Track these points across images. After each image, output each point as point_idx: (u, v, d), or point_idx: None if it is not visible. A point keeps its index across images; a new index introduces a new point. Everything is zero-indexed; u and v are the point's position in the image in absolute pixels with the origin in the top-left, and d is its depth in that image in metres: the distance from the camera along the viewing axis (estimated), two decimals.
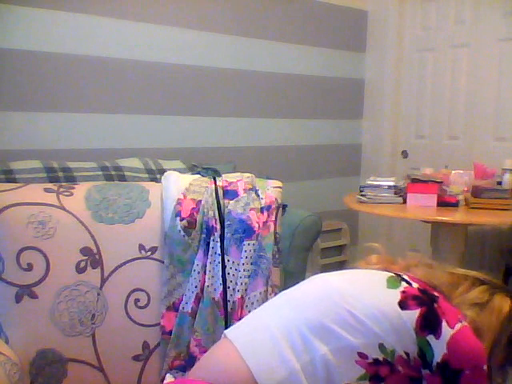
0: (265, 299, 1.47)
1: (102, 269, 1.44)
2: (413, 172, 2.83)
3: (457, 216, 2.26)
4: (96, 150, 2.36)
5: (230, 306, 1.48)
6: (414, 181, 2.43)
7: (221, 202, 1.59)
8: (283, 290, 1.11)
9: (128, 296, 1.45)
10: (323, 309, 0.97)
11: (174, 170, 1.84)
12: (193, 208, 1.55)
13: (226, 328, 1.34)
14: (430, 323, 0.93)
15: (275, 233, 1.58)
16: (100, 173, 1.94)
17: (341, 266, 3.43)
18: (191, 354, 1.44)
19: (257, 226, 1.55)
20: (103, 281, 1.43)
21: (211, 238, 1.53)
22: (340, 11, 3.34)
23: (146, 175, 2.04)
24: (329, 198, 3.34)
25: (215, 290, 1.49)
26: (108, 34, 2.38)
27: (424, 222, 2.52)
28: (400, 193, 2.45)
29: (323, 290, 1.02)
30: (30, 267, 1.37)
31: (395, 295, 0.96)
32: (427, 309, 0.94)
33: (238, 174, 1.72)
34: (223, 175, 1.71)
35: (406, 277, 1.02)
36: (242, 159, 2.75)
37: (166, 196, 1.58)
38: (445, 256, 2.33)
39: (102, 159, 2.06)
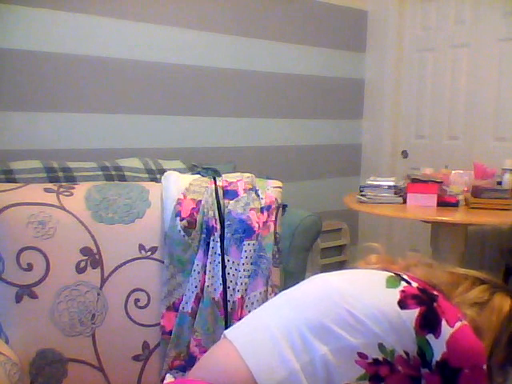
0: (265, 299, 1.47)
1: (102, 269, 1.44)
2: (413, 172, 2.83)
3: (457, 216, 2.26)
4: (96, 150, 2.36)
5: (230, 306, 1.48)
6: (414, 181, 2.43)
7: (221, 202, 1.59)
8: (283, 290, 1.11)
9: (128, 296, 1.45)
10: (323, 309, 0.97)
11: (174, 170, 1.84)
12: (193, 208, 1.55)
13: (226, 328, 1.34)
14: (429, 322, 0.93)
15: (275, 233, 1.58)
16: (100, 173, 1.94)
17: (341, 265, 3.43)
18: (191, 354, 1.44)
19: (257, 225, 1.55)
20: (103, 281, 1.43)
21: (211, 238, 1.53)
22: (340, 11, 3.34)
23: (146, 175, 2.04)
24: (329, 198, 3.34)
25: (215, 290, 1.49)
26: (108, 34, 2.38)
27: (424, 221, 2.52)
28: (400, 193, 2.45)
29: (323, 290, 1.02)
30: (30, 267, 1.37)
31: (395, 295, 0.96)
32: (427, 308, 0.94)
33: (238, 174, 1.72)
34: (223, 175, 1.71)
35: (405, 276, 1.02)
36: (241, 159, 2.75)
37: (166, 196, 1.58)
38: (445, 256, 2.33)
39: (102, 159, 2.06)
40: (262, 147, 3.04)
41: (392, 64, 3.42)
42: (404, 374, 0.92)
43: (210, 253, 1.52)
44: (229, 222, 1.55)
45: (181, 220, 1.52)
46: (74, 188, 1.54)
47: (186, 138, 2.70)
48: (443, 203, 2.32)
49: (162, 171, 1.89)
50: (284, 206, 1.68)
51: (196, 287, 1.48)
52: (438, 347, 0.92)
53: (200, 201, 1.57)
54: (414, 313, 0.93)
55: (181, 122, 2.68)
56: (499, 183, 2.44)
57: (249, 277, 1.50)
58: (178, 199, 1.56)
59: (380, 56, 3.47)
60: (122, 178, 1.97)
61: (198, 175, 1.73)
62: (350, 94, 3.50)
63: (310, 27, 3.19)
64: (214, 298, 1.48)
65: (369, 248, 1.22)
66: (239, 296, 1.48)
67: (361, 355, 0.91)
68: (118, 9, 2.39)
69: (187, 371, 1.40)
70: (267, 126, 3.05)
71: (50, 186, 1.54)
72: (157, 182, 1.79)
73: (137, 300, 1.46)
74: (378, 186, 2.47)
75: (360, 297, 0.97)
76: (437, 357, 0.92)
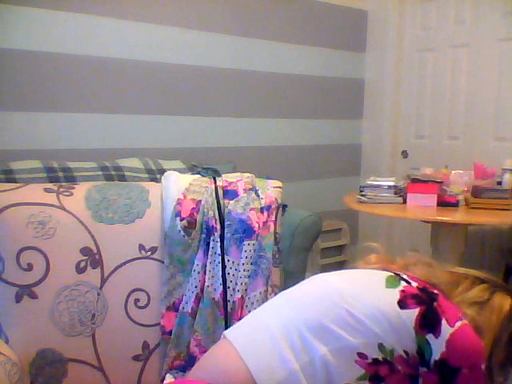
0: (265, 299, 1.47)
1: (102, 269, 1.44)
2: (413, 172, 2.83)
3: (457, 216, 2.26)
4: (96, 150, 2.36)
5: (230, 306, 1.48)
6: (414, 181, 2.43)
7: (221, 202, 1.59)
8: (283, 290, 1.11)
9: (128, 296, 1.45)
10: (323, 309, 0.97)
11: (174, 170, 1.84)
12: (193, 208, 1.55)
13: (226, 328, 1.34)
14: (429, 322, 0.93)
15: (275, 233, 1.58)
16: (100, 173, 1.94)
17: (341, 265, 3.43)
18: (191, 354, 1.44)
19: (257, 225, 1.55)
20: (103, 281, 1.43)
21: (211, 238, 1.53)
22: (340, 11, 3.34)
23: (146, 175, 2.04)
24: (329, 198, 3.34)
25: (215, 290, 1.49)
26: (108, 34, 2.38)
27: (424, 221, 2.52)
28: (400, 193, 2.45)
29: (323, 290, 1.02)
30: (30, 267, 1.37)
31: (394, 294, 0.96)
32: (427, 308, 0.94)
33: (238, 174, 1.72)
34: (223, 175, 1.71)
35: (405, 276, 1.02)
36: (242, 159, 2.75)
37: (166, 196, 1.58)
38: (445, 256, 2.33)
39: (102, 159, 2.06)
40: (262, 147, 3.04)
41: (392, 64, 3.42)
42: (404, 374, 0.92)
43: (210, 253, 1.52)
44: (229, 222, 1.55)
45: (181, 220, 1.52)
46: (74, 188, 1.54)
47: (186, 138, 2.70)
48: (443, 203, 2.32)
49: (162, 171, 1.89)
50: (284, 206, 1.68)
51: (196, 287, 1.48)
52: (438, 347, 0.92)
53: (200, 201, 1.57)
54: (413, 312, 0.93)
55: (181, 122, 2.68)
56: (499, 183, 2.43)
57: (249, 277, 1.50)
58: (178, 199, 1.56)
59: (380, 56, 3.47)
60: (122, 178, 1.97)
61: (198, 175, 1.73)
62: (350, 94, 3.50)
63: (310, 27, 3.19)
64: (213, 298, 1.48)
65: (368, 248, 1.21)
66: (239, 296, 1.48)
67: (360, 355, 0.91)
68: (117, 9, 2.39)
69: (187, 371, 1.40)
70: (267, 126, 3.05)
71: (50, 185, 1.54)
72: (157, 181, 1.79)
73: (137, 300, 1.46)
74: (378, 186, 2.47)
75: (360, 297, 0.97)
76: (435, 356, 0.92)
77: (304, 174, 3.28)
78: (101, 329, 1.41)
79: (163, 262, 1.50)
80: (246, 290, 1.49)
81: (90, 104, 2.36)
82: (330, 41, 3.31)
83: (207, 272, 1.49)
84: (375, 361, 0.91)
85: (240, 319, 1.34)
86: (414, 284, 0.99)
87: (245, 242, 1.52)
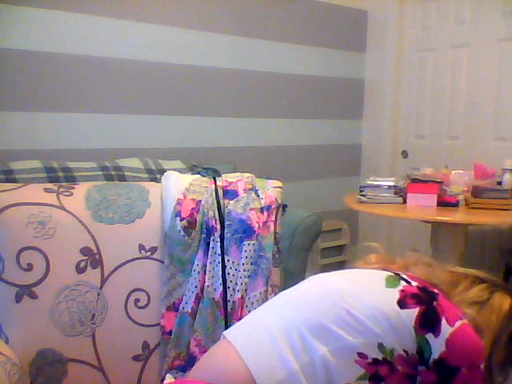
0: (265, 299, 1.47)
1: (102, 269, 1.44)
2: (413, 172, 2.83)
3: (457, 216, 2.26)
4: (96, 150, 2.36)
5: (230, 306, 1.48)
6: (414, 181, 2.43)
7: (221, 201, 1.59)
8: (283, 290, 1.11)
9: (128, 296, 1.45)
10: (323, 309, 0.97)
11: (174, 170, 1.84)
12: (193, 208, 1.55)
13: (226, 328, 1.34)
14: (429, 321, 0.93)
15: (275, 233, 1.58)
16: (100, 173, 1.95)
17: (341, 266, 3.43)
18: (191, 354, 1.44)
19: (257, 226, 1.55)
20: (103, 281, 1.43)
21: (211, 238, 1.53)
22: (340, 11, 3.34)
23: (146, 175, 2.04)
24: (329, 198, 3.34)
25: (215, 290, 1.49)
26: (108, 34, 2.38)
27: (424, 221, 2.52)
28: (400, 193, 2.45)
29: (323, 290, 1.02)
30: (29, 267, 1.37)
31: (394, 294, 0.96)
32: (426, 307, 0.94)
33: (238, 174, 1.72)
34: (223, 175, 1.71)
35: (405, 276, 1.02)
36: (242, 159, 2.75)
37: (166, 196, 1.58)
38: (445, 256, 2.33)
39: (102, 159, 2.07)
40: (262, 147, 3.04)
41: (392, 64, 3.42)
42: (403, 373, 0.92)
43: (210, 253, 1.52)
44: (229, 222, 1.55)
45: (181, 220, 1.52)
46: (73, 188, 1.54)
47: (186, 138, 2.70)
48: (443, 203, 2.32)
49: (162, 171, 1.89)
50: (284, 206, 1.68)
51: (196, 287, 1.48)
52: (437, 346, 0.92)
53: (200, 201, 1.57)
54: (413, 312, 0.93)
55: (181, 122, 2.68)
56: (499, 183, 2.43)
57: (249, 277, 1.50)
58: (178, 199, 1.56)
59: (380, 56, 3.47)
60: (122, 178, 1.97)
61: (198, 175, 1.73)
62: (350, 94, 3.50)
63: (310, 27, 3.19)
64: (213, 298, 1.48)
65: (368, 248, 1.21)
66: (239, 296, 1.48)
67: (360, 355, 0.91)
68: (117, 9, 2.39)
69: (187, 371, 1.40)
70: (267, 126, 3.05)
71: (50, 185, 1.54)
72: (157, 181, 1.79)
73: (137, 300, 1.46)
74: (378, 186, 2.47)
75: (359, 297, 0.97)
76: (435, 355, 0.92)
77: (304, 174, 3.28)
78: (101, 329, 1.41)
79: (163, 262, 1.50)
80: (245, 290, 1.49)
81: (90, 104, 2.36)
82: (330, 41, 3.31)
83: (207, 272, 1.49)
84: (375, 361, 0.91)
85: (240, 319, 1.34)
86: (414, 284, 0.99)
87: (245, 242, 1.52)
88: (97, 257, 1.44)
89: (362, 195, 2.48)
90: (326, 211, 3.23)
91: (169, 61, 2.59)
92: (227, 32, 2.80)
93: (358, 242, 3.61)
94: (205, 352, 1.19)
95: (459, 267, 1.13)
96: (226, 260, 1.51)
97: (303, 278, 1.14)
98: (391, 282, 1.00)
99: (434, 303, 0.95)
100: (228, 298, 1.49)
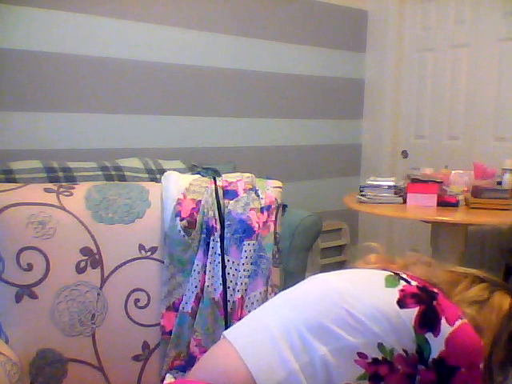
0: (265, 299, 1.47)
1: (102, 269, 1.44)
2: (413, 172, 2.83)
3: (457, 216, 2.26)
4: (96, 150, 2.36)
5: (229, 306, 1.48)
6: (414, 181, 2.43)
7: (221, 201, 1.59)
8: (283, 290, 1.11)
9: (128, 296, 1.45)
10: (322, 309, 0.97)
11: (174, 170, 1.84)
12: (193, 208, 1.55)
13: (226, 328, 1.34)
14: (428, 321, 0.93)
15: (275, 233, 1.58)
16: (100, 173, 1.95)
17: (341, 266, 3.43)
18: (191, 354, 1.44)
19: (257, 226, 1.55)
20: (103, 281, 1.43)
21: (211, 238, 1.53)
22: (340, 11, 3.34)
23: (146, 175, 2.05)
24: (329, 198, 3.34)
25: (215, 290, 1.49)
26: (108, 34, 2.38)
27: (424, 221, 2.52)
28: (400, 193, 2.45)
29: (322, 290, 1.02)
30: (29, 267, 1.37)
31: (394, 294, 0.96)
32: (426, 306, 0.94)
33: (238, 174, 1.72)
34: (223, 175, 1.71)
35: (404, 275, 1.02)
36: (242, 159, 2.75)
37: (166, 196, 1.58)
38: (445, 256, 2.33)
39: (102, 159, 2.07)
40: (262, 147, 3.04)
41: (392, 64, 3.42)
42: (403, 373, 0.92)
43: (209, 253, 1.52)
44: (229, 222, 1.55)
45: (181, 220, 1.52)
46: (73, 188, 1.54)
47: (186, 138, 2.70)
48: (443, 203, 2.32)
49: (162, 171, 1.89)
50: (284, 206, 1.68)
51: (196, 287, 1.48)
52: (437, 345, 0.92)
53: (200, 201, 1.57)
54: (413, 312, 0.93)
55: (181, 122, 2.68)
56: (499, 183, 2.43)
57: (249, 277, 1.50)
58: (178, 199, 1.56)
59: (380, 56, 3.48)
60: (122, 178, 1.97)
61: (198, 175, 1.73)
62: (350, 94, 3.50)
63: (310, 27, 3.19)
64: (213, 298, 1.48)
65: (368, 248, 1.21)
66: (239, 296, 1.48)
67: (360, 355, 0.91)
68: (117, 9, 2.39)
69: (187, 371, 1.40)
70: (267, 126, 3.05)
71: (49, 185, 1.54)
72: (157, 181, 1.79)
73: (137, 300, 1.46)
74: (378, 186, 2.47)
75: (359, 296, 0.97)
76: (434, 354, 0.92)
77: (304, 174, 3.28)
78: (101, 329, 1.41)
79: (163, 262, 1.50)
80: (245, 290, 1.49)
81: (90, 104, 2.36)
82: (330, 41, 3.32)
83: (207, 272, 1.49)
84: (375, 360, 0.91)
85: (240, 319, 1.34)
86: (414, 283, 0.99)
87: (245, 242, 1.52)
88: (97, 257, 1.44)
89: (361, 195, 2.48)
90: (325, 211, 3.23)
91: (169, 61, 2.60)
92: (227, 32, 2.80)
93: (358, 242, 3.61)
94: (205, 352, 1.19)
95: (459, 267, 1.13)
96: (225, 260, 1.51)
97: (303, 278, 1.14)
98: (391, 282, 1.00)
99: (434, 303, 0.95)
100: (228, 298, 1.49)
